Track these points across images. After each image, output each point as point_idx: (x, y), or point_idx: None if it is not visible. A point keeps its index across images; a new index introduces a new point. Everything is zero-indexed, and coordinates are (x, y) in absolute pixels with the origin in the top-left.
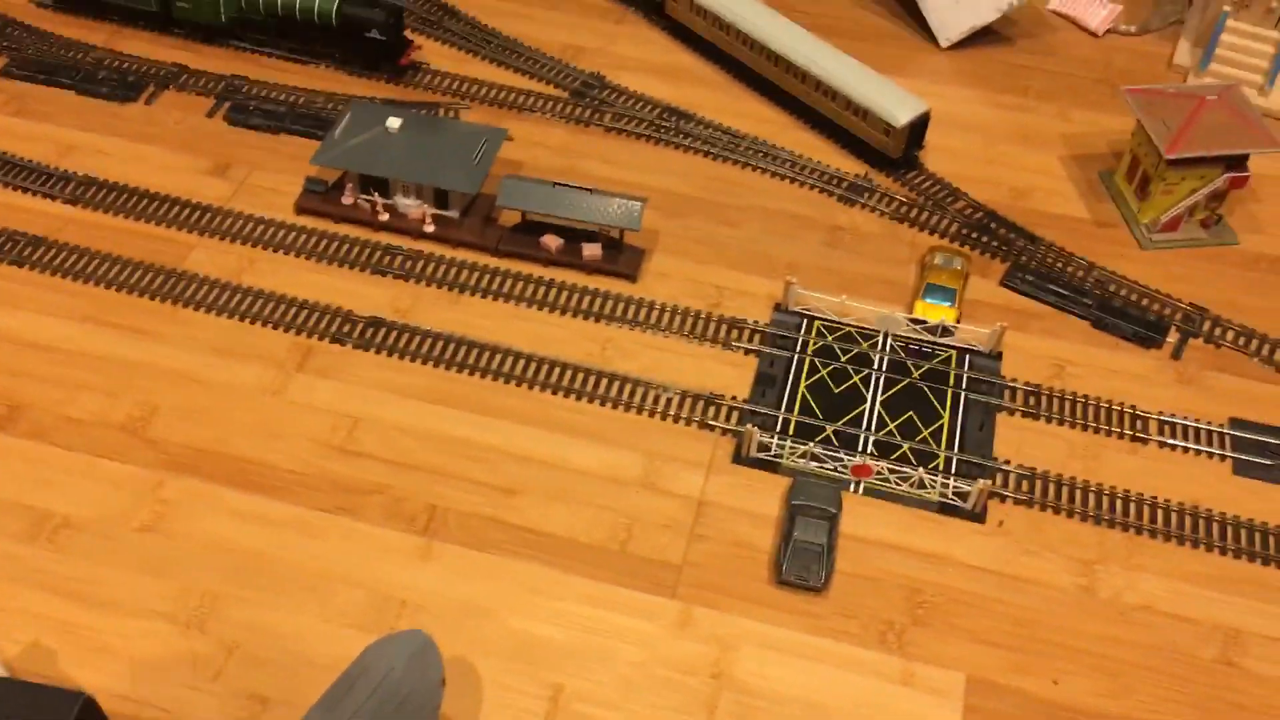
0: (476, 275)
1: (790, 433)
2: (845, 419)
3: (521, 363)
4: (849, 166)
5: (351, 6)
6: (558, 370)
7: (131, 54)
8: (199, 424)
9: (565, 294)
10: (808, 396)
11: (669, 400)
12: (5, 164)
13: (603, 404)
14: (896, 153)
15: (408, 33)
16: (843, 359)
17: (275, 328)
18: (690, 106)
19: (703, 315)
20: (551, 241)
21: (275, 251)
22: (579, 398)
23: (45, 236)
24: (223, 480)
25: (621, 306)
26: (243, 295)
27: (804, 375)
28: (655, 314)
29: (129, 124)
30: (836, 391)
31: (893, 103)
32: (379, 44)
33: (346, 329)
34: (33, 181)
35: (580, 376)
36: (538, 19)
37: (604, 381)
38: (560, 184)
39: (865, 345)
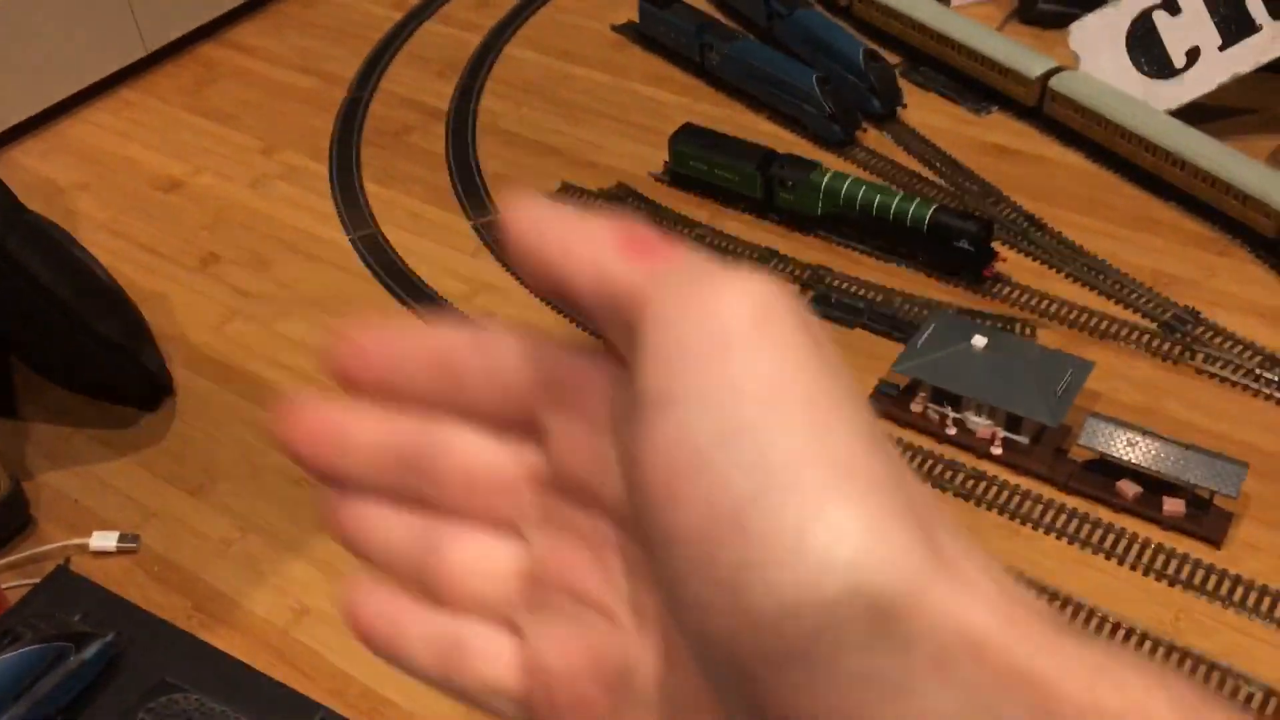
0: (1041, 509)
1: None
2: None
3: (1083, 616)
4: None
5: (945, 215)
6: (1122, 633)
7: (730, 233)
8: None
9: (1138, 548)
10: None
11: (1250, 696)
12: None
13: None
14: None
15: (994, 245)
16: None
17: None
18: None
19: None
20: (1128, 488)
21: None
22: None
23: None
24: None
25: (1202, 575)
26: None
27: None
28: (1241, 590)
29: None
30: None
31: None
32: (966, 254)
33: None
34: None
35: (1148, 646)
36: (1128, 241)
37: (1174, 657)
38: (1150, 432)
39: None
